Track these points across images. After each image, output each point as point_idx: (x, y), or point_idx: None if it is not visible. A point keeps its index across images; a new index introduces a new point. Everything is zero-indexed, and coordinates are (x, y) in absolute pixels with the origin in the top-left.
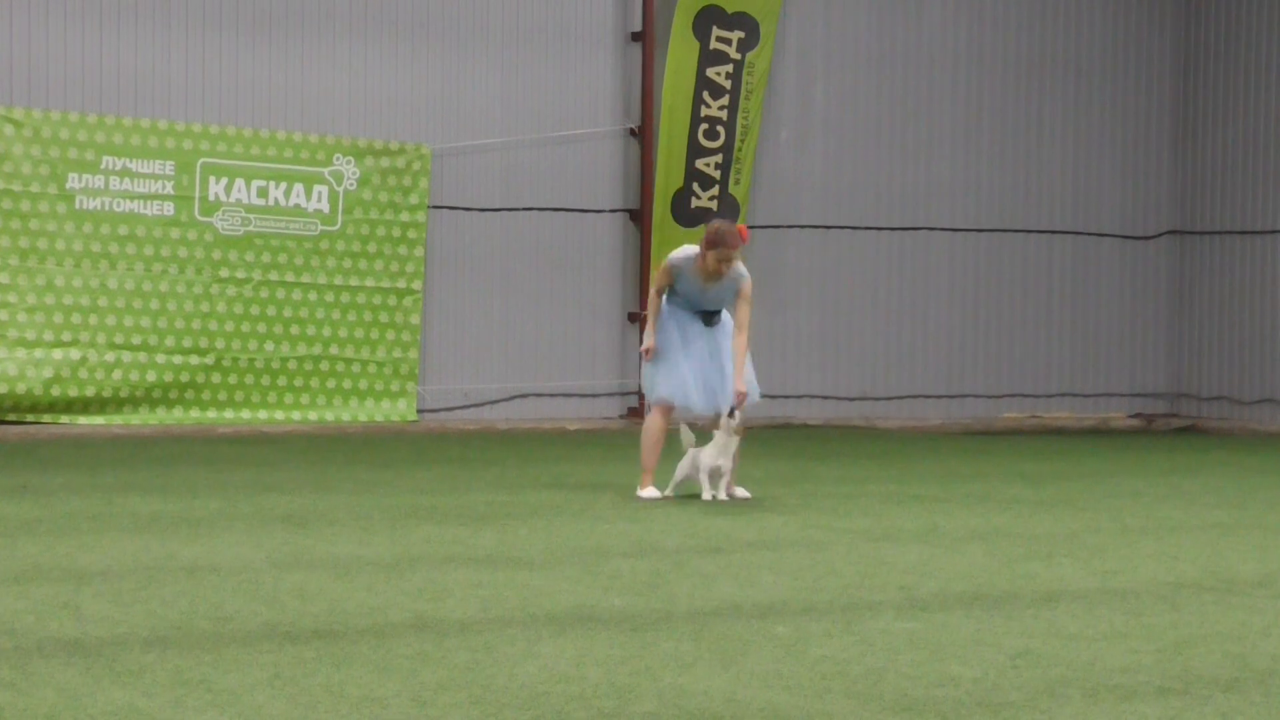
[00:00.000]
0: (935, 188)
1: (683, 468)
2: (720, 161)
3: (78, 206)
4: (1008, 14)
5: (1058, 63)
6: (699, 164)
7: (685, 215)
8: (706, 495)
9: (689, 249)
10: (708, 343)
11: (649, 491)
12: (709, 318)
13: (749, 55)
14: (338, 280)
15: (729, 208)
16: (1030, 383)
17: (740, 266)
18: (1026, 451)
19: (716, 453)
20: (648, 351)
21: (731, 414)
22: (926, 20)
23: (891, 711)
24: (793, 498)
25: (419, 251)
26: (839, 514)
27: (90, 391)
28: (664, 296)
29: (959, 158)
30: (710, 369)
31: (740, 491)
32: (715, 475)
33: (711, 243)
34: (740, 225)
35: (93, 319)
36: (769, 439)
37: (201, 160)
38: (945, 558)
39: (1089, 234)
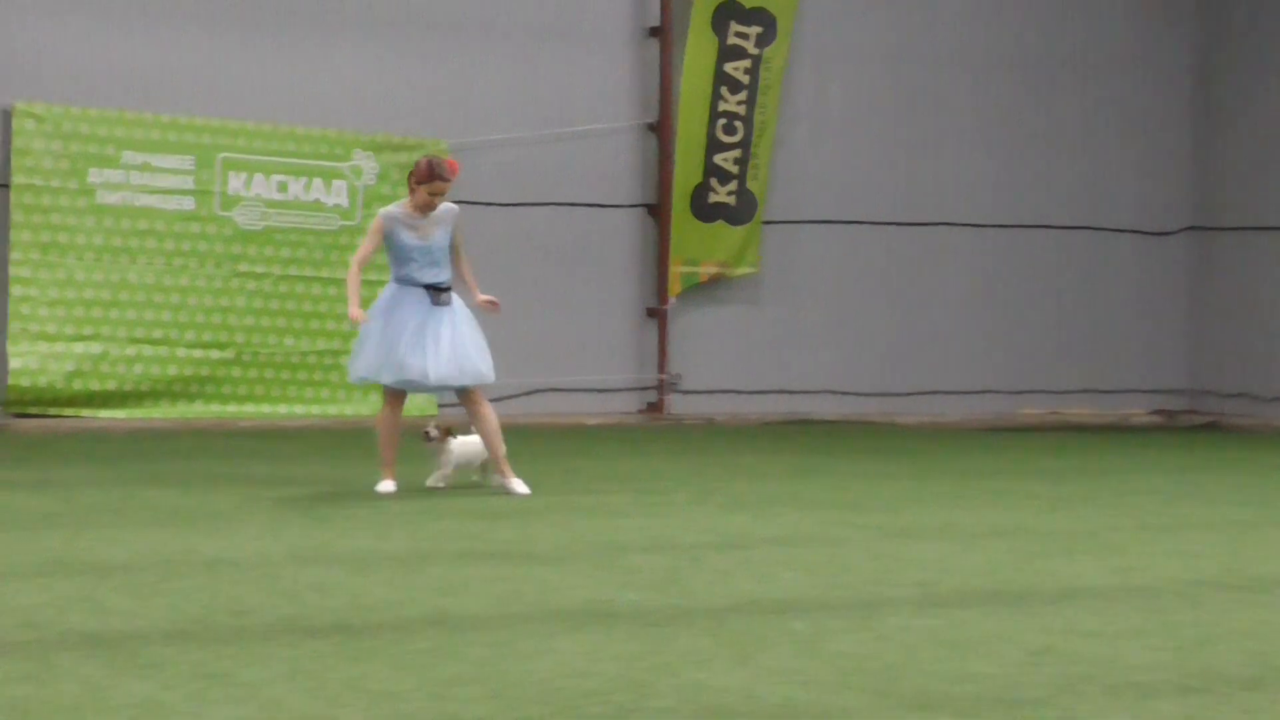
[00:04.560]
0: (952, 183)
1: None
2: (738, 156)
3: (98, 201)
4: (1024, 9)
5: (1075, 57)
6: (717, 159)
7: (704, 210)
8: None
9: (393, 205)
10: (431, 318)
11: (384, 485)
12: (437, 295)
13: (766, 50)
14: (373, 274)
15: (747, 203)
16: (1049, 379)
17: (446, 201)
18: (1045, 448)
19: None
20: (355, 318)
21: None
22: (943, 15)
23: (910, 708)
24: (811, 493)
25: None
26: (857, 510)
27: (110, 385)
28: (392, 282)
29: (976, 152)
30: (421, 340)
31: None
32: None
33: (424, 176)
34: (450, 160)
35: (113, 313)
36: (787, 434)
37: (221, 155)
38: (964, 554)
39: (1107, 230)
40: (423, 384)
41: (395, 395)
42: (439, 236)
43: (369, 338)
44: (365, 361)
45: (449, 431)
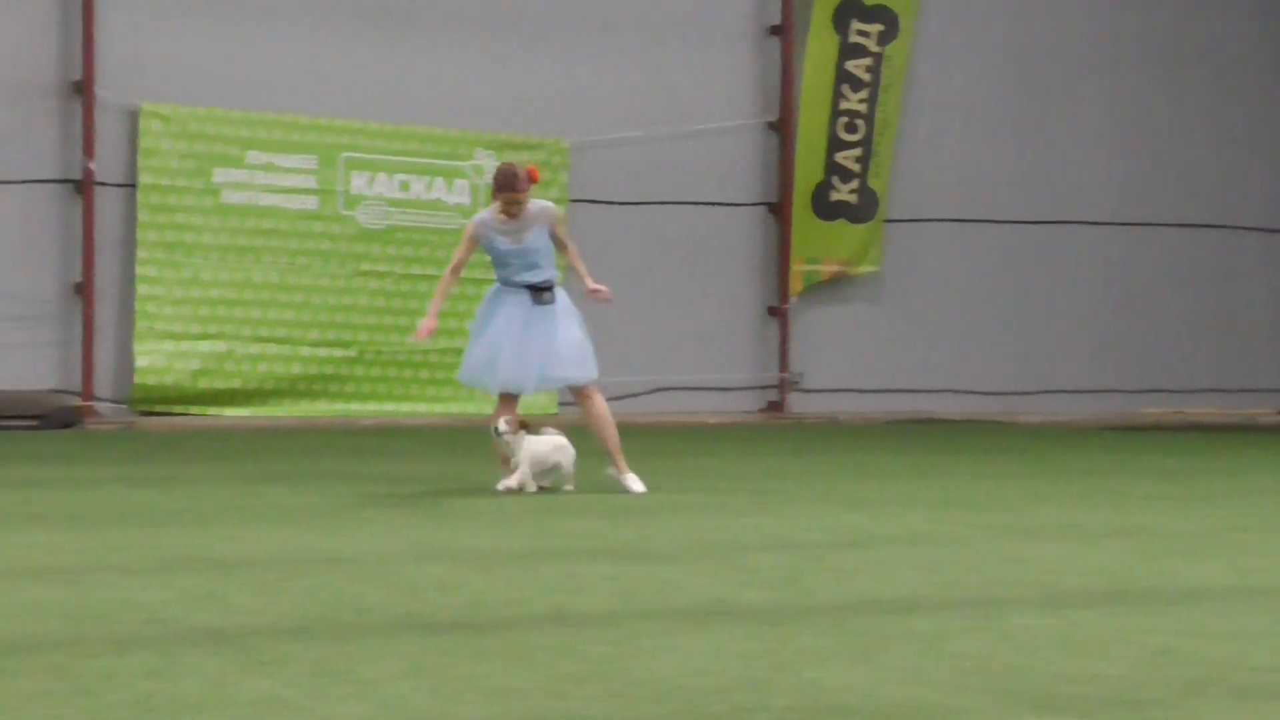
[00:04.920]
0: (1076, 181)
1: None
2: (860, 155)
3: (223, 201)
4: (1150, 3)
5: (1201, 53)
6: (838, 157)
7: (825, 208)
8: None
9: (484, 211)
10: (533, 322)
11: (505, 483)
12: (539, 295)
13: (888, 48)
14: (478, 273)
15: (869, 201)
16: (1173, 378)
17: (539, 201)
18: (1169, 447)
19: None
20: (423, 331)
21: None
22: (1067, 11)
23: (1032, 708)
24: (932, 493)
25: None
26: (978, 509)
27: (234, 384)
28: (496, 283)
29: (1100, 150)
30: (523, 346)
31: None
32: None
33: (500, 186)
34: (530, 166)
35: (237, 312)
36: (908, 433)
37: (344, 154)
38: (1086, 554)
39: (1234, 228)
40: (522, 390)
41: (509, 396)
42: (532, 238)
43: (475, 342)
44: (470, 367)
45: (523, 425)
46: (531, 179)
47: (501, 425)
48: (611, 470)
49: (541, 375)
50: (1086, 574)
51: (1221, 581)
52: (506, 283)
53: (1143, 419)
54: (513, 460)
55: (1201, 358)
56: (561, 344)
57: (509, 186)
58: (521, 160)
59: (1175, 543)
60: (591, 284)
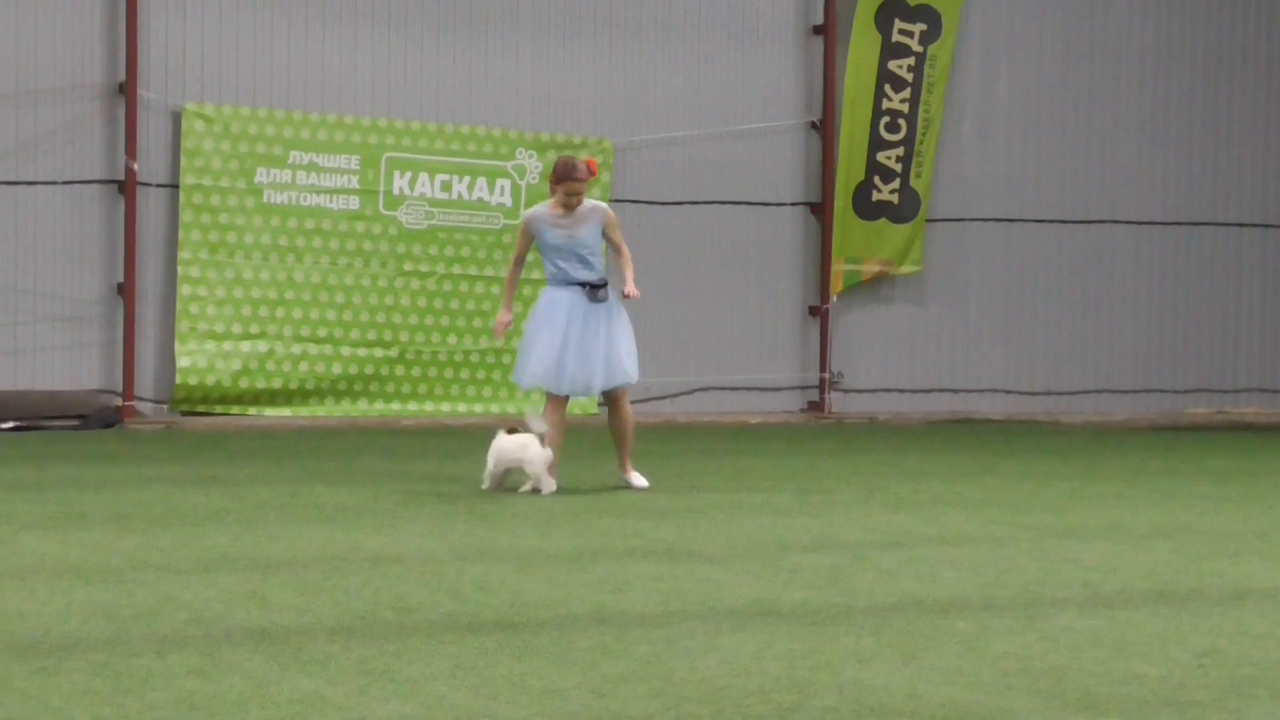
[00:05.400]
0: (1121, 180)
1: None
2: (902, 155)
3: (266, 200)
4: (1197, 3)
5: (1248, 53)
6: (880, 157)
7: (866, 209)
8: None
9: (537, 206)
10: (591, 321)
11: (548, 483)
12: (594, 292)
13: (931, 48)
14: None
15: (910, 201)
16: (1218, 378)
17: (592, 200)
18: (1214, 447)
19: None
20: (499, 327)
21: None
22: (1113, 10)
23: (1075, 709)
24: (975, 493)
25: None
26: (1021, 510)
27: (277, 384)
28: (548, 285)
29: (1145, 150)
30: (585, 346)
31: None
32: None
33: (559, 176)
34: (589, 159)
35: (280, 312)
36: (951, 433)
37: (386, 154)
38: (1130, 554)
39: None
40: (589, 393)
41: (559, 397)
42: (585, 234)
43: (534, 345)
44: (534, 370)
45: (512, 430)
46: (590, 172)
47: (536, 427)
48: (621, 473)
49: (605, 377)
50: (1130, 574)
51: (1267, 582)
52: (557, 280)
53: (1187, 419)
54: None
55: (1247, 357)
56: (618, 345)
57: (569, 176)
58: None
59: (1220, 543)
60: (629, 288)
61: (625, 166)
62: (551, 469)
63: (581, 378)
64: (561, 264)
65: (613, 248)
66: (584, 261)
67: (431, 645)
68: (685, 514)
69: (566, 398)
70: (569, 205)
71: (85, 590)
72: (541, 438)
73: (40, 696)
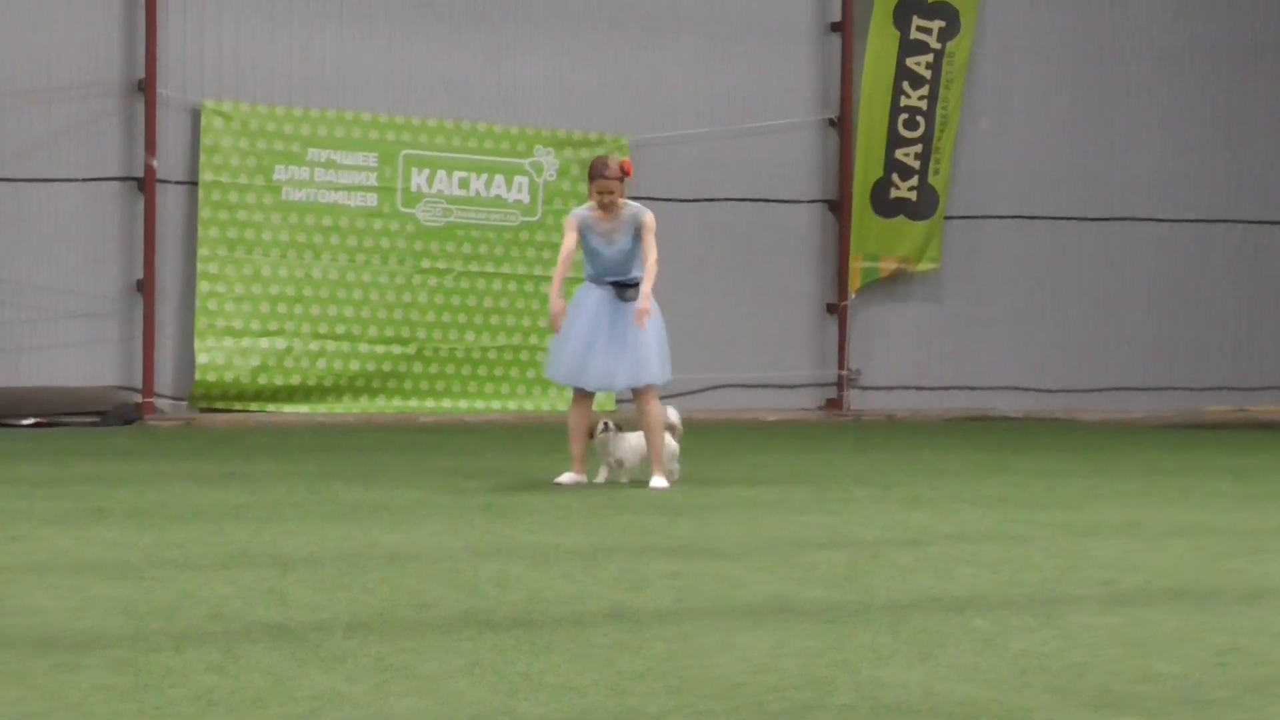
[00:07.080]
0: (1138, 178)
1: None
2: (920, 152)
3: (284, 198)
4: (1213, 1)
5: (1265, 49)
6: (898, 154)
7: (884, 205)
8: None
9: (582, 207)
10: (620, 318)
11: (565, 476)
12: (623, 291)
13: (949, 45)
14: (538, 270)
15: (928, 198)
16: (1236, 375)
17: (636, 205)
18: (1232, 445)
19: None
20: (555, 317)
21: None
22: (1129, 8)
23: (1093, 707)
24: (992, 490)
25: None
26: (1039, 507)
27: (295, 380)
28: (586, 281)
29: (1163, 147)
30: (612, 343)
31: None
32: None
33: (592, 175)
34: (625, 160)
35: (297, 309)
36: (969, 431)
37: (404, 152)
38: (1148, 552)
39: None
40: (610, 389)
41: (584, 393)
42: (622, 242)
43: (566, 341)
44: (565, 367)
45: (619, 427)
46: (625, 171)
47: (603, 424)
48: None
49: (629, 375)
50: (1148, 572)
51: None
52: (592, 278)
53: (1205, 417)
54: (611, 457)
55: (1265, 355)
56: (649, 345)
57: (599, 174)
58: (582, 158)
59: (1239, 541)
60: (639, 303)
61: (642, 163)
62: (577, 465)
63: (605, 373)
64: (598, 265)
65: (643, 251)
66: (619, 268)
67: (449, 642)
68: (702, 511)
69: (592, 394)
70: (604, 205)
71: (104, 586)
72: (671, 430)
73: (59, 692)
